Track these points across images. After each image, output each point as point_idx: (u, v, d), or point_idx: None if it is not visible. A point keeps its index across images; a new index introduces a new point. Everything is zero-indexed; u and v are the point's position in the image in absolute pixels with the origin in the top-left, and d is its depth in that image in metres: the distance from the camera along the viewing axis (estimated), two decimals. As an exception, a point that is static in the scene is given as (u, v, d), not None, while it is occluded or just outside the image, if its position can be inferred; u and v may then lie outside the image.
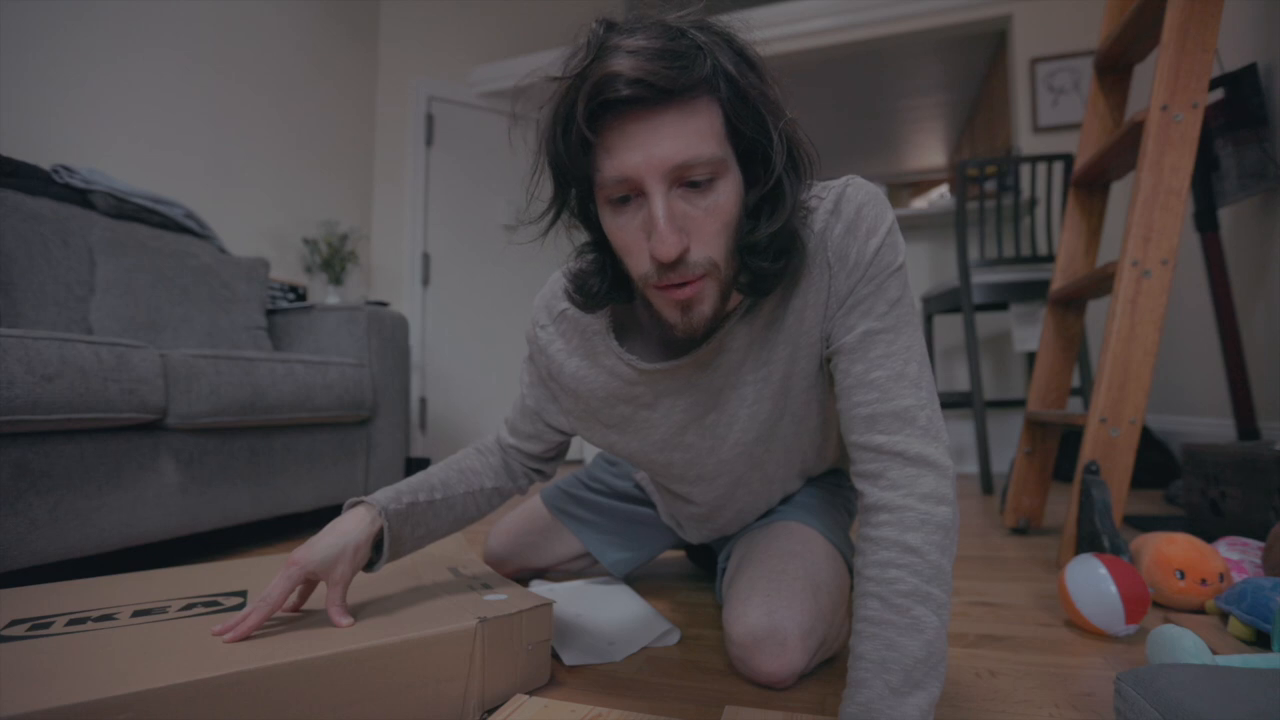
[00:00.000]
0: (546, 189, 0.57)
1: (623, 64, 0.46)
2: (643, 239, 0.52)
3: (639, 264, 0.53)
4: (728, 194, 0.52)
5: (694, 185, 0.50)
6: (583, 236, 0.61)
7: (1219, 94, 1.61)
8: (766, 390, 0.66)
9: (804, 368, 0.65)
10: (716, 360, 0.65)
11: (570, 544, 1.07)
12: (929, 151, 5.31)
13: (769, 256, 0.55)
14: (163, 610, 0.66)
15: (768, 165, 0.53)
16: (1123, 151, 1.28)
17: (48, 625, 0.61)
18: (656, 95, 0.47)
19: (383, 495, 0.69)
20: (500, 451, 0.83)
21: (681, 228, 0.50)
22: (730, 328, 0.63)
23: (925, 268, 2.92)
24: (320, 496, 1.60)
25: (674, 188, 0.50)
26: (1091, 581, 0.83)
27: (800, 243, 0.57)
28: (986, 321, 2.74)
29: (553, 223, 0.59)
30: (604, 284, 0.61)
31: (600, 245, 0.60)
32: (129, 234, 1.57)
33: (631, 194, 0.51)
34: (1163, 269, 1.10)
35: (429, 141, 3.07)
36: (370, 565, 0.69)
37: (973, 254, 2.63)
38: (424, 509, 0.73)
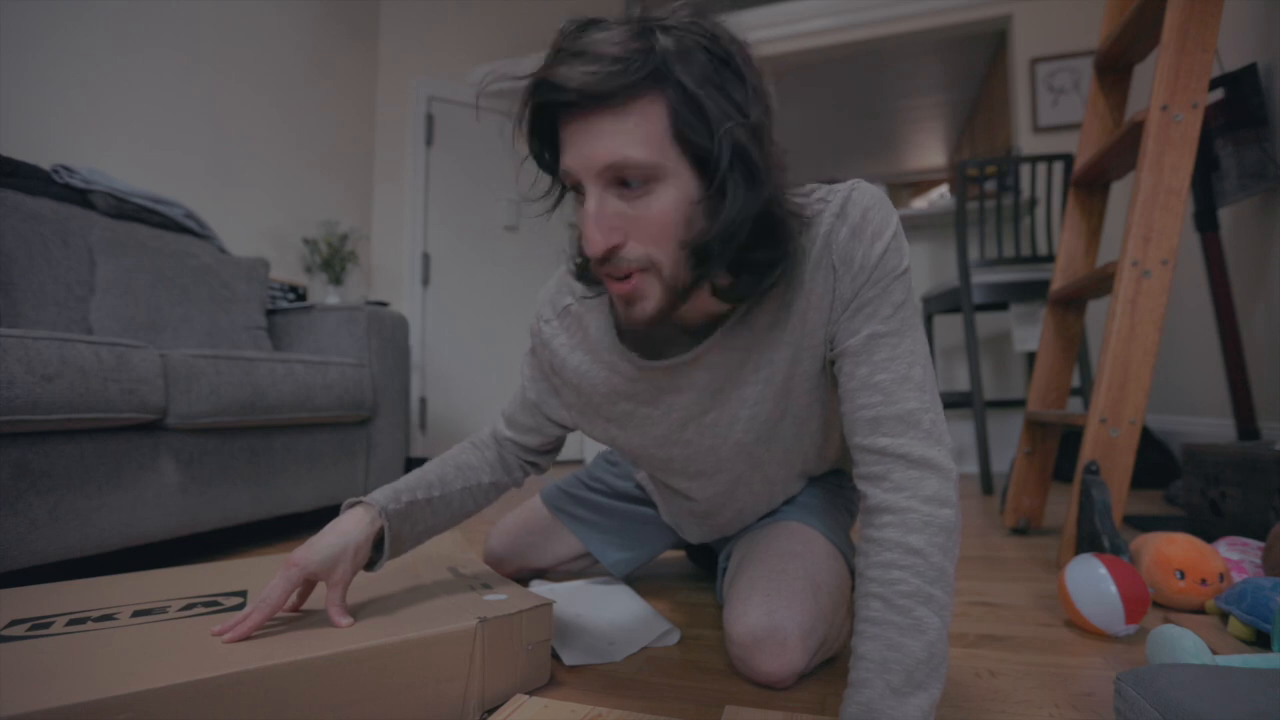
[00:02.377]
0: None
1: (562, 71, 0.49)
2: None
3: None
4: (667, 197, 0.51)
5: (629, 186, 0.52)
6: None
7: (1219, 94, 1.61)
8: (768, 391, 0.66)
9: (806, 369, 0.65)
10: (717, 360, 0.65)
11: (570, 544, 1.07)
12: (929, 151, 5.31)
13: (719, 264, 0.54)
14: (163, 610, 0.66)
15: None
16: (1123, 151, 1.28)
17: (48, 625, 0.61)
18: (592, 100, 0.49)
19: (381, 495, 0.69)
20: (496, 445, 0.83)
21: (615, 226, 0.52)
22: (731, 328, 0.63)
23: (925, 268, 2.91)
24: (320, 496, 1.59)
25: (610, 187, 0.52)
26: (1091, 581, 0.83)
27: (784, 250, 0.56)
28: (986, 321, 2.74)
29: (557, 202, 0.60)
30: None
31: None
32: (129, 234, 1.57)
33: (582, 187, 0.53)
34: (1163, 269, 1.10)
35: (429, 141, 3.07)
36: (370, 565, 0.69)
37: (973, 254, 2.63)
38: (423, 506, 0.73)
